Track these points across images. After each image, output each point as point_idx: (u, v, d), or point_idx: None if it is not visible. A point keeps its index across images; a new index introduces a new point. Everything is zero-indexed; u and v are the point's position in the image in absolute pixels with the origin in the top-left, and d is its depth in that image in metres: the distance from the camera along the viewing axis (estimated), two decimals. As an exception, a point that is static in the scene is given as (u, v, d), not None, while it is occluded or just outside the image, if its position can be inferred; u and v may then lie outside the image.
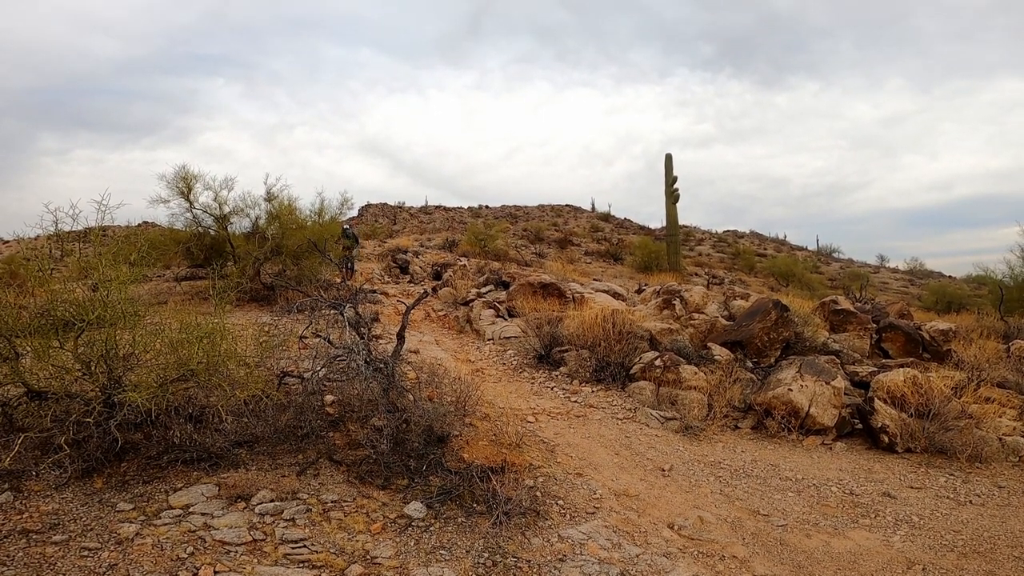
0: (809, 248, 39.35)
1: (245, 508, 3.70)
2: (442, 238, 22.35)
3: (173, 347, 4.18)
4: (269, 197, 10.75)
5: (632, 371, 7.21)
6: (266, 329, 7.17)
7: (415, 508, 3.90)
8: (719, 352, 7.64)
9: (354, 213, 34.18)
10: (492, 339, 9.10)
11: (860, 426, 6.29)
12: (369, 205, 40.12)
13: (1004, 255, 16.99)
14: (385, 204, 40.88)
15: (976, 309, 14.79)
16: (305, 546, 3.41)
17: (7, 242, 18.71)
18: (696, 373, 6.94)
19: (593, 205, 42.32)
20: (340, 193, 14.45)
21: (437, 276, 14.51)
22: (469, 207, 41.97)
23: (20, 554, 3.04)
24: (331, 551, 3.39)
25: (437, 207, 41.45)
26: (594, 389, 7.05)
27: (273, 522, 3.59)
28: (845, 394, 6.63)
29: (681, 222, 24.94)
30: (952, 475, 5.36)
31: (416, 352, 7.78)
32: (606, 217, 38.93)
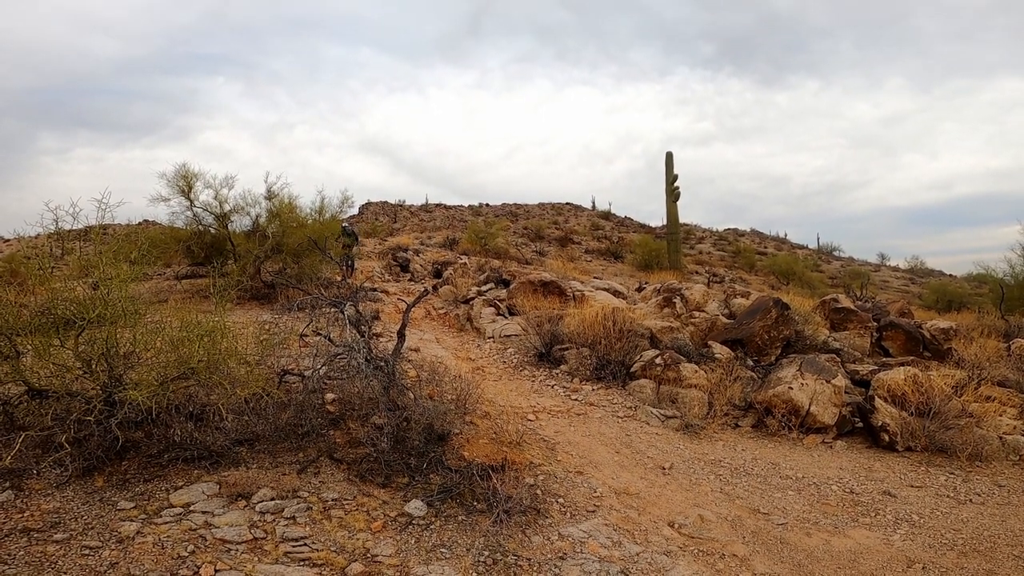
0: (810, 246, 39.30)
1: (246, 506, 3.70)
2: (443, 236, 22.33)
3: (174, 345, 4.18)
4: (269, 195, 10.74)
5: (632, 369, 7.21)
6: (267, 327, 7.18)
7: (416, 506, 3.91)
8: (719, 350, 7.64)
9: (354, 211, 34.22)
10: (492, 337, 9.10)
11: (860, 424, 6.29)
12: (370, 203, 40.09)
13: (1005, 254, 16.99)
14: (385, 202, 40.85)
15: (977, 308, 14.80)
16: (306, 544, 3.41)
17: (8, 241, 18.71)
18: (696, 371, 6.94)
19: (593, 203, 42.30)
20: (340, 191, 14.46)
21: (438, 274, 14.51)
22: (470, 205, 41.95)
23: (21, 553, 3.04)
24: (332, 549, 3.40)
25: (438, 205, 41.42)
26: (595, 387, 7.05)
27: (274, 520, 3.60)
28: (846, 392, 6.63)
29: (682, 220, 24.92)
30: (952, 474, 5.36)
31: (417, 350, 7.78)
32: (606, 215, 38.90)
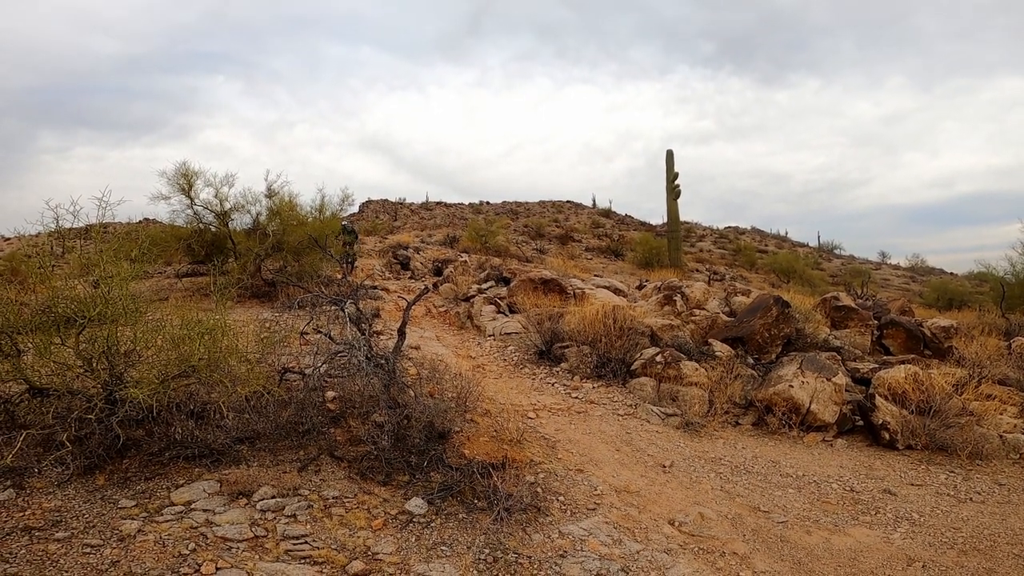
0: (810, 244, 39.28)
1: (247, 504, 3.71)
2: (443, 234, 22.32)
3: (174, 343, 4.19)
4: (270, 193, 10.73)
5: (633, 367, 7.22)
6: (267, 325, 7.17)
7: (416, 504, 3.91)
8: (720, 348, 7.64)
9: (355, 209, 34.16)
10: (493, 335, 9.10)
11: (861, 423, 6.29)
12: (370, 201, 40.06)
13: (1005, 252, 16.97)
14: (386, 200, 40.83)
15: (977, 306, 14.77)
16: (306, 542, 3.42)
17: (8, 239, 18.70)
18: (697, 369, 6.94)
19: (594, 201, 42.26)
20: (341, 189, 14.41)
21: (438, 272, 14.50)
22: (470, 203, 41.93)
23: (23, 551, 3.05)
24: (332, 547, 3.40)
25: (438, 203, 41.40)
26: (595, 385, 7.05)
27: (274, 518, 3.60)
28: (846, 390, 6.62)
29: (682, 218, 24.93)
30: (953, 472, 5.36)
31: (417, 348, 7.78)
32: (607, 213, 38.86)
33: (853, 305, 9.81)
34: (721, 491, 4.85)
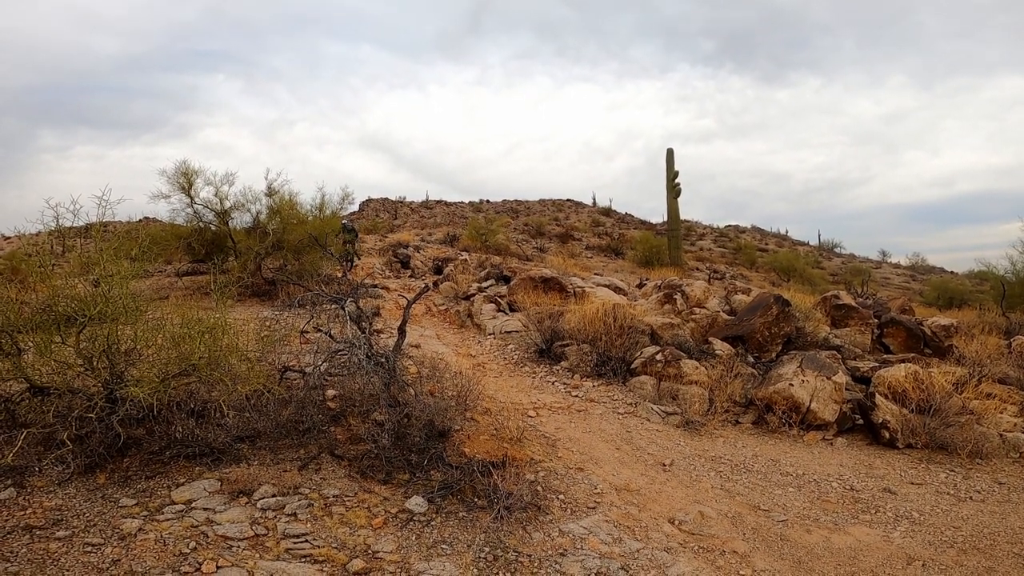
0: (811, 243, 39.26)
1: (247, 503, 3.71)
2: (443, 233, 22.31)
3: (175, 342, 4.19)
4: (270, 192, 10.73)
5: (633, 366, 7.22)
6: (267, 324, 7.19)
7: (416, 503, 3.92)
8: (720, 347, 7.64)
9: (355, 208, 34.16)
10: (493, 333, 9.10)
11: (861, 421, 6.29)
12: (370, 200, 40.02)
13: (1006, 251, 16.93)
14: (386, 199, 40.79)
15: (978, 305, 14.79)
16: (307, 541, 3.42)
17: (8, 238, 18.70)
18: (697, 368, 6.94)
19: (594, 200, 42.20)
20: (341, 188, 14.42)
21: (438, 271, 14.50)
22: (470, 202, 41.87)
23: (24, 550, 3.05)
24: (333, 546, 3.41)
25: (438, 202, 41.36)
26: (595, 384, 7.05)
27: (275, 517, 3.61)
28: (846, 389, 6.62)
29: (682, 217, 24.93)
30: (952, 471, 5.36)
31: (417, 346, 7.79)
32: (607, 212, 38.83)
33: (853, 304, 9.81)
34: (721, 490, 4.85)
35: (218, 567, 3.08)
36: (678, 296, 9.77)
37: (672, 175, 21.81)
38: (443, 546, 3.54)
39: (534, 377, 7.37)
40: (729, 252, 29.83)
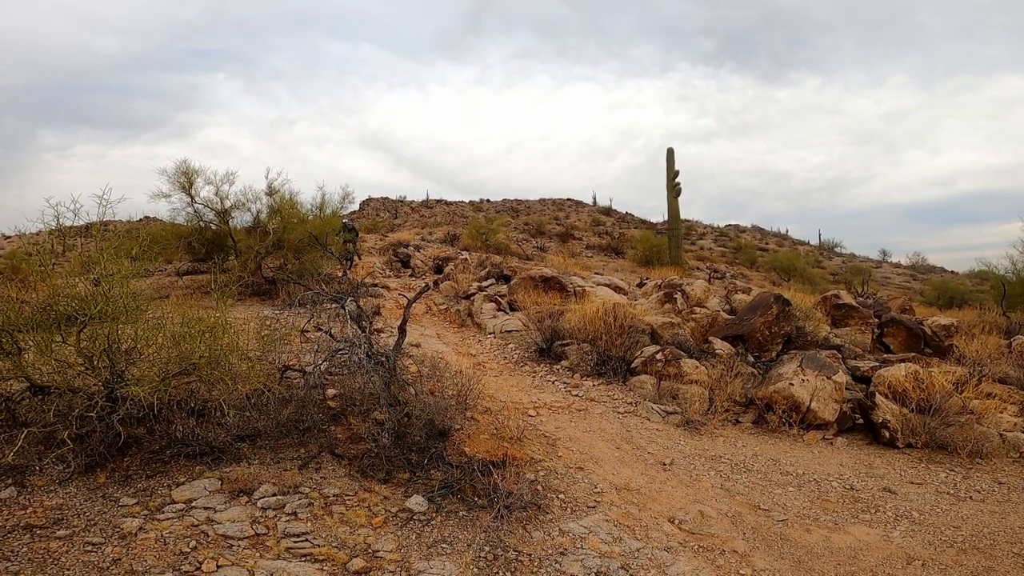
0: (811, 243, 39.25)
1: (247, 502, 3.71)
2: (443, 232, 22.30)
3: (175, 341, 4.19)
4: (270, 191, 10.74)
5: (633, 365, 7.22)
6: (268, 323, 7.19)
7: (416, 502, 3.92)
8: (720, 346, 7.64)
9: (355, 207, 34.16)
10: (493, 333, 9.11)
11: (861, 421, 6.29)
12: (370, 199, 40.04)
13: (1006, 250, 16.92)
14: (386, 198, 40.80)
15: (978, 304, 14.78)
16: (307, 540, 3.42)
17: (9, 237, 18.70)
18: (697, 367, 6.94)
19: (594, 199, 42.21)
20: (341, 187, 14.43)
21: (438, 270, 14.51)
22: (470, 201, 41.89)
23: (24, 549, 3.06)
24: (333, 545, 3.41)
25: (438, 201, 41.36)
26: (595, 383, 7.05)
27: (275, 516, 3.61)
28: (846, 389, 6.63)
29: (683, 216, 24.92)
30: (952, 471, 5.37)
31: (417, 346, 7.79)
32: (607, 211, 38.84)
33: (853, 303, 9.80)
34: (721, 489, 4.86)
35: (218, 566, 3.09)
36: (678, 295, 9.77)
37: (672, 174, 21.80)
38: (443, 545, 3.55)
39: (534, 376, 7.37)
40: (729, 251, 29.83)
